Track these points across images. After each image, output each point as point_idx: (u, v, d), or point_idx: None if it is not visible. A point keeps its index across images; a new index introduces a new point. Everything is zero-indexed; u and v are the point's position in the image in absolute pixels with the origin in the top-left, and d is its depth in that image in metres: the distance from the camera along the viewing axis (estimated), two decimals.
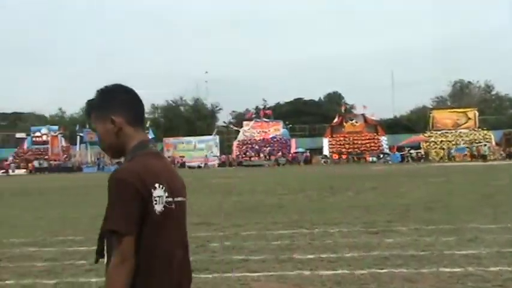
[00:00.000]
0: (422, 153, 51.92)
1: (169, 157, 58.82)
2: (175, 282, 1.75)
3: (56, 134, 64.62)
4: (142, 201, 1.66)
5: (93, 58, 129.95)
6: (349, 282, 4.74)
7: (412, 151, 51.70)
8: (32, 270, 5.56)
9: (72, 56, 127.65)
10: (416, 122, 66.45)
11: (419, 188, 15.35)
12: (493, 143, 51.61)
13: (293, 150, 58.50)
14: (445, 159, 49.29)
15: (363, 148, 56.67)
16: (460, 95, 74.78)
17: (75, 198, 15.38)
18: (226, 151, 62.63)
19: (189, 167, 55.73)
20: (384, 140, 57.31)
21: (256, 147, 60.26)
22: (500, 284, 4.52)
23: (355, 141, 57.84)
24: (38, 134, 66.32)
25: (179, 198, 1.82)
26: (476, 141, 52.66)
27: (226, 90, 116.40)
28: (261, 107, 76.05)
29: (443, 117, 58.10)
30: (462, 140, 53.65)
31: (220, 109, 79.35)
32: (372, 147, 56.49)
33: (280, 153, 57.08)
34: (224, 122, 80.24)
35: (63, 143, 65.44)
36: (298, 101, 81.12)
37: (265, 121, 63.78)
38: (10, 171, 54.73)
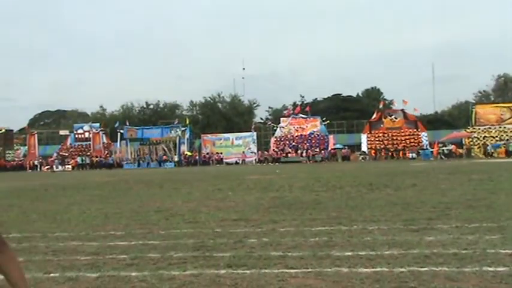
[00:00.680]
0: (454, 149, 50.26)
1: (207, 153, 59.49)
2: None
3: (98, 131, 66.33)
4: None
5: (132, 57, 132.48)
6: (388, 280, 4.67)
7: (444, 147, 50.42)
8: (76, 264, 5.72)
9: (117, 56, 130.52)
10: (458, 117, 65.00)
11: (461, 185, 14.96)
12: None
13: (331, 146, 58.08)
14: (481, 156, 47.92)
15: (402, 144, 55.74)
16: (504, 89, 72.44)
17: (116, 194, 15.72)
18: (263, 147, 62.75)
19: (227, 164, 56.15)
20: (424, 136, 56.23)
21: (294, 143, 60.10)
22: None
23: (394, 137, 57.01)
24: (80, 131, 68.23)
25: None
26: None
27: (264, 86, 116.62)
28: (299, 103, 75.80)
29: (487, 112, 56.56)
30: (507, 135, 52.06)
31: (257, 105, 79.68)
32: (412, 144, 55.50)
33: (318, 150, 56.76)
34: (261, 119, 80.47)
35: (105, 140, 67.06)
36: (336, 97, 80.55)
37: (302, 117, 63.58)
38: (54, 167, 56.41)
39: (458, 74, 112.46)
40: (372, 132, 58.58)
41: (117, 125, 63.94)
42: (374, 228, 7.58)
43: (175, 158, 58.07)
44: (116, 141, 63.50)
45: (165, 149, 59.15)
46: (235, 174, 28.57)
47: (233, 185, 18.26)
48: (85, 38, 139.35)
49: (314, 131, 61.75)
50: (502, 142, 50.37)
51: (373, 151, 55.53)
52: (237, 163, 57.03)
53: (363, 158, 53.78)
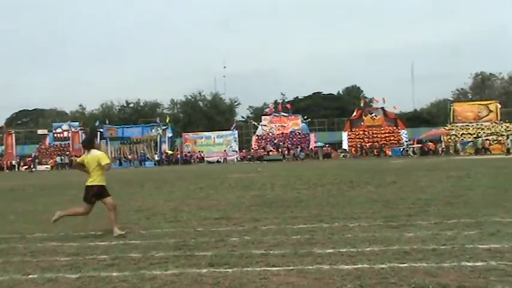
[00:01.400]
0: (431, 146, 50.99)
1: (188, 152, 59.26)
2: None
3: (77, 130, 65.46)
4: None
5: (110, 55, 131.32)
6: (369, 276, 4.72)
7: (413, 145, 51.27)
8: (55, 265, 5.65)
9: (89, 53, 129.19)
10: (436, 115, 65.81)
11: (440, 182, 15.17)
12: None
13: (312, 144, 58.34)
14: (452, 154, 48.71)
15: (382, 142, 56.27)
16: (482, 87, 73.60)
17: None
18: (245, 146, 62.76)
19: (209, 162, 56.00)
20: (403, 133, 56.83)
21: (276, 141, 60.24)
22: None
23: (375, 135, 57.46)
24: (59, 130, 67.30)
25: None
26: (498, 134, 51.92)
27: (245, 85, 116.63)
28: (280, 101, 75.97)
29: (464, 110, 57.45)
30: (484, 132, 52.93)
31: (238, 104, 79.59)
32: (392, 141, 56.05)
33: (299, 148, 56.99)
34: (243, 117, 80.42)
35: None
36: (317, 95, 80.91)
37: (284, 115, 63.71)
38: (32, 167, 55.62)
39: (438, 72, 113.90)
40: (353, 130, 59.00)
41: (97, 123, 63.29)
42: (355, 225, 7.65)
43: (156, 157, 57.74)
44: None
45: (145, 148, 58.84)
46: (217, 172, 28.52)
47: (215, 184, 18.23)
48: (68, 37, 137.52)
49: (295, 129, 61.97)
50: (470, 140, 51.26)
51: (353, 149, 55.97)
52: (218, 162, 56.92)
53: (343, 156, 54.15)
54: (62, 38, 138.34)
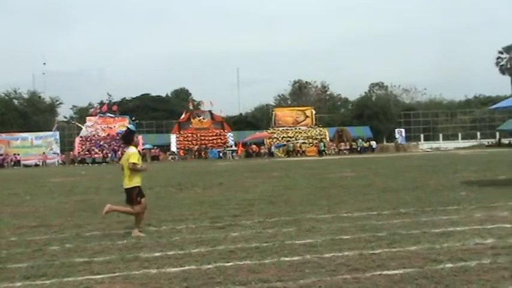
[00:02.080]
0: (250, 149, 54.26)
1: (1, 154, 53.71)
2: None
3: None
4: None
5: None
6: (196, 277, 4.79)
7: (229, 149, 54.19)
8: None
9: None
10: (260, 119, 69.47)
11: (263, 183, 16.06)
12: (328, 139, 56.08)
13: (140, 146, 57.23)
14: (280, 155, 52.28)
15: (210, 144, 57.64)
16: (299, 94, 79.78)
17: None
18: (67, 148, 59.08)
19: (25, 166, 51.59)
20: (230, 136, 58.93)
21: (101, 143, 57.88)
22: (333, 269, 4.92)
23: (203, 137, 58.59)
24: None
25: None
26: (313, 138, 56.83)
27: (68, 84, 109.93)
28: (106, 101, 73.19)
29: (284, 114, 61.70)
30: (301, 136, 57.43)
31: (60, 103, 74.30)
32: (219, 143, 57.74)
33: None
34: (65, 117, 75.60)
35: None
36: (145, 97, 79.62)
37: (110, 117, 61.50)
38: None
39: (261, 78, 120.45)
40: (181, 132, 59.36)
41: None
42: (182, 228, 7.71)
43: None
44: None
45: None
46: (35, 177, 26.41)
47: (32, 189, 16.86)
48: None
49: (122, 131, 60.21)
50: (283, 143, 55.57)
51: (182, 151, 56.37)
52: (37, 165, 52.58)
53: (172, 158, 54.19)
54: None
